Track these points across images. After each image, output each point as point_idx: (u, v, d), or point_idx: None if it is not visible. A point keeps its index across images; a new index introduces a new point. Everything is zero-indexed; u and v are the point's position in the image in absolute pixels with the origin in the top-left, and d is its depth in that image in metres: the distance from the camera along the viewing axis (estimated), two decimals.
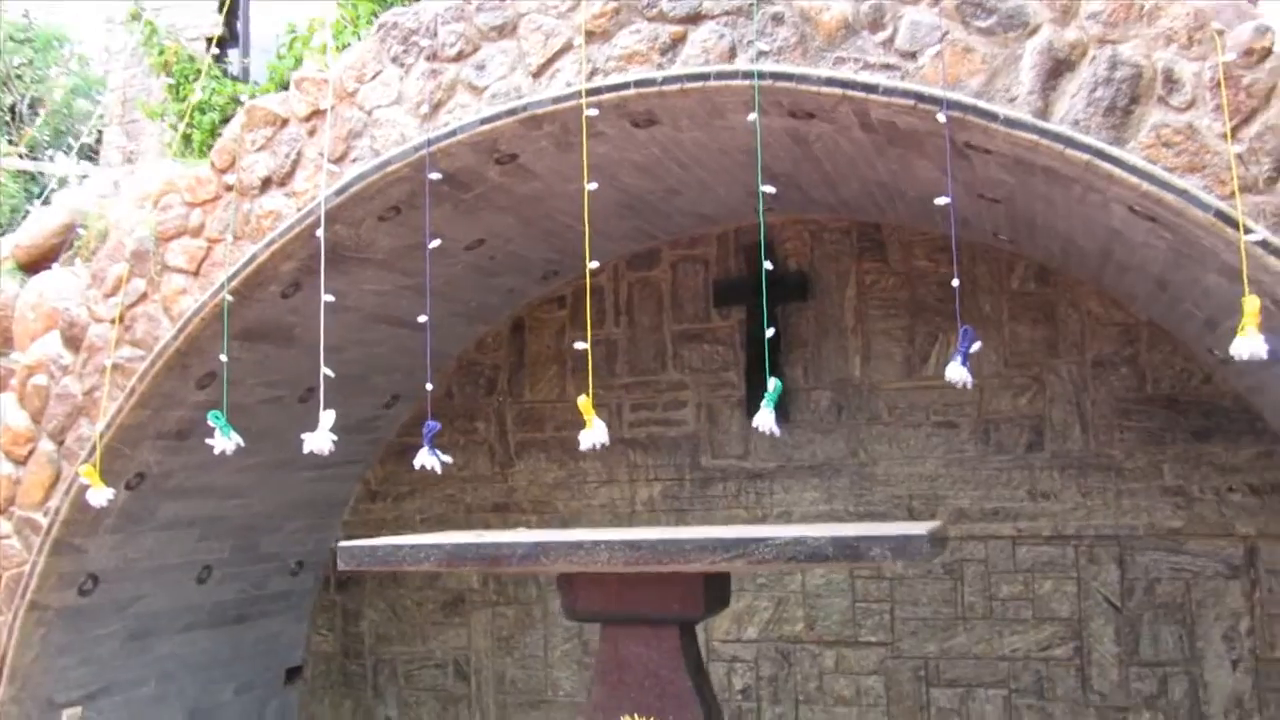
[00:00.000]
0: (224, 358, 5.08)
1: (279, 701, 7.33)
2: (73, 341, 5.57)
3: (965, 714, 6.21)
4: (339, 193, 4.97)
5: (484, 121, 4.77)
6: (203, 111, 7.85)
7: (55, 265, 6.89)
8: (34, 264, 6.95)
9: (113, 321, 5.42)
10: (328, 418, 4.81)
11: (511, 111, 4.72)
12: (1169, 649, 5.88)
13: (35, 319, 6.25)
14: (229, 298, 5.14)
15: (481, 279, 6.51)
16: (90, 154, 32.14)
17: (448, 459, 4.78)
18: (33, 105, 30.54)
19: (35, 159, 31.15)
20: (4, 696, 5.38)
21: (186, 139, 8.07)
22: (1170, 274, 4.86)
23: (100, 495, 5.18)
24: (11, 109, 31.33)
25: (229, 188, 5.29)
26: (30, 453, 5.57)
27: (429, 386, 5.05)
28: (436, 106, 4.89)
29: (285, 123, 5.21)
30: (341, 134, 5.05)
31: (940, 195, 4.56)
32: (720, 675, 6.68)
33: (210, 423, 5.01)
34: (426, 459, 4.69)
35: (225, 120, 7.72)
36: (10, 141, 32.13)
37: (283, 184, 5.18)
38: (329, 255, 5.18)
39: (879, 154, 5.03)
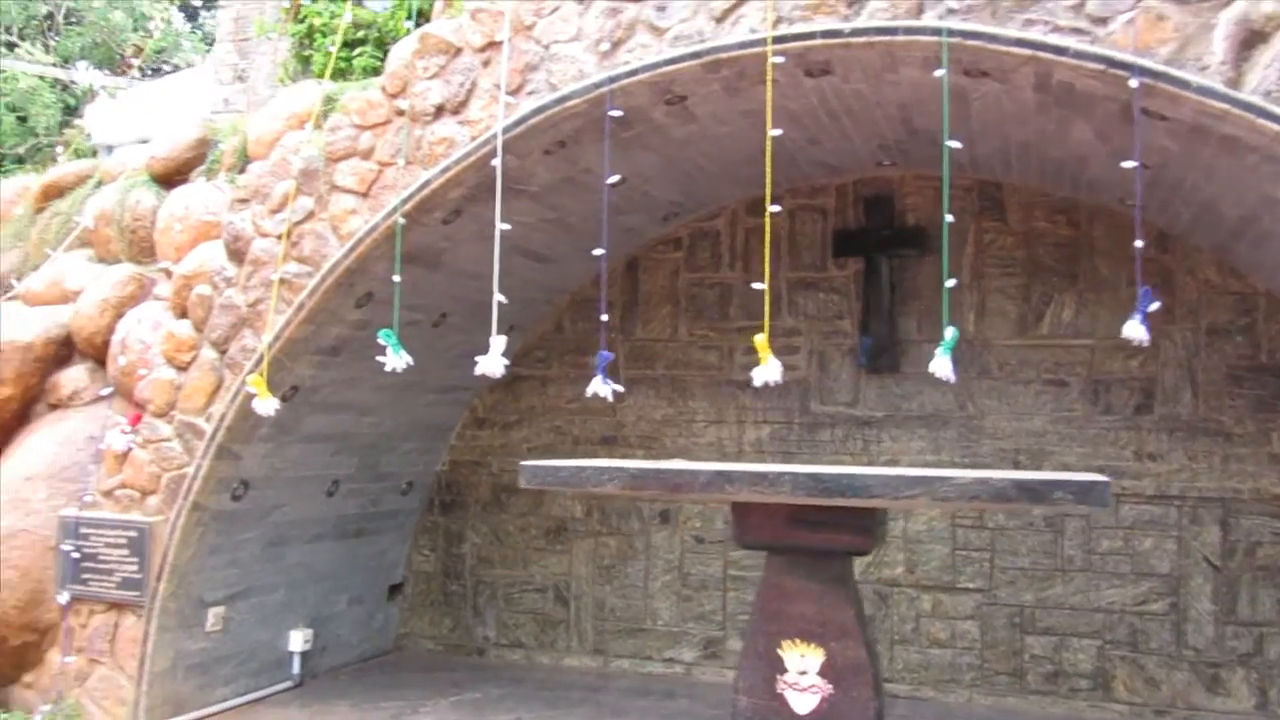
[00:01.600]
0: (397, 278, 5.26)
1: (383, 615, 7.60)
2: (237, 255, 5.74)
3: (1058, 662, 6.47)
4: (516, 124, 5.12)
5: (668, 63, 4.91)
6: (323, 35, 7.99)
7: (191, 178, 7.07)
8: (169, 177, 7.12)
9: (279, 237, 5.60)
10: (499, 343, 5.02)
11: (695, 55, 4.86)
12: (1266, 610, 6.12)
13: (182, 230, 6.44)
14: (401, 220, 5.32)
15: (610, 216, 6.67)
16: (123, 68, 31.96)
17: (620, 388, 4.97)
18: (69, 15, 30.41)
19: (66, 68, 31.05)
20: (165, 592, 5.64)
21: (305, 60, 8.22)
22: None
23: (267, 405, 5.40)
24: (48, 17, 31.16)
25: (400, 112, 5.44)
26: (192, 360, 5.77)
27: (604, 318, 5.22)
28: (616, 45, 5.02)
29: (459, 52, 5.36)
30: (518, 66, 5.20)
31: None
32: None
33: (381, 341, 5.22)
34: (600, 388, 4.89)
35: (346, 44, 7.85)
36: (45, 49, 32.00)
37: (456, 112, 5.33)
38: (490, 185, 5.36)
39: (1039, 114, 5.17)
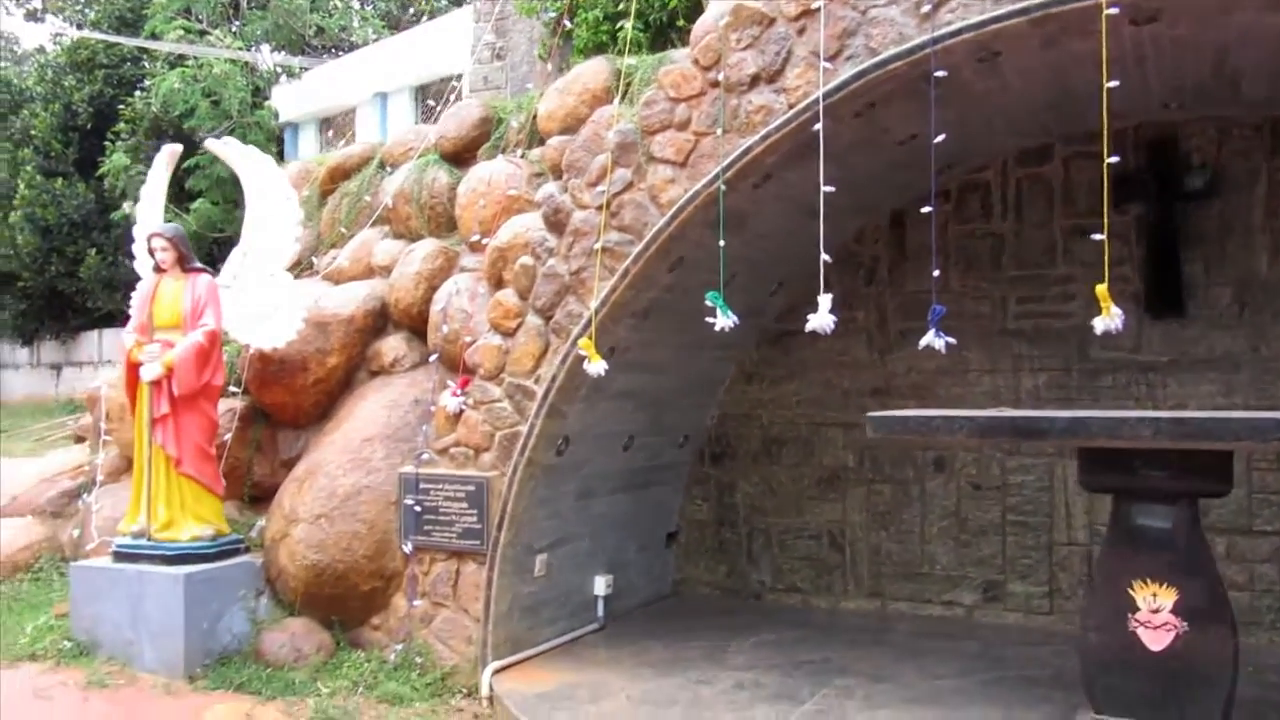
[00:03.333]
0: (722, 243, 5.54)
1: (662, 562, 8.01)
2: (557, 226, 6.11)
3: None
4: (838, 89, 5.30)
5: (993, 20, 4.99)
6: (584, 10, 8.28)
7: (479, 156, 7.50)
8: (458, 155, 7.57)
9: (599, 208, 5.93)
10: (826, 300, 5.24)
11: (1023, 11, 4.93)
12: None
13: (485, 205, 6.85)
14: (723, 187, 5.58)
15: (891, 173, 6.80)
16: (305, 48, 33.16)
17: (952, 340, 5.14)
18: (252, 0, 31.68)
19: (251, 51, 32.44)
20: (505, 540, 6.11)
21: (566, 36, 8.54)
22: None
23: (597, 367, 5.78)
24: (234, 3, 32.56)
25: (714, 84, 5.68)
26: (518, 326, 6.19)
27: (935, 273, 5.35)
28: (937, 5, 5.13)
29: (772, 22, 5.55)
30: (835, 32, 5.36)
31: None
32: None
33: (709, 302, 5.52)
34: (933, 340, 5.07)
35: (607, 18, 8.12)
36: (233, 33, 33.49)
37: (771, 80, 5.54)
38: (799, 150, 5.57)
39: None
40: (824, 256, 5.30)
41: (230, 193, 28.96)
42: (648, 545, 7.77)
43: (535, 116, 7.11)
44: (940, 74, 5.13)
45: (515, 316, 6.21)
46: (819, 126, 5.32)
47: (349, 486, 6.47)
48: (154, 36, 29.12)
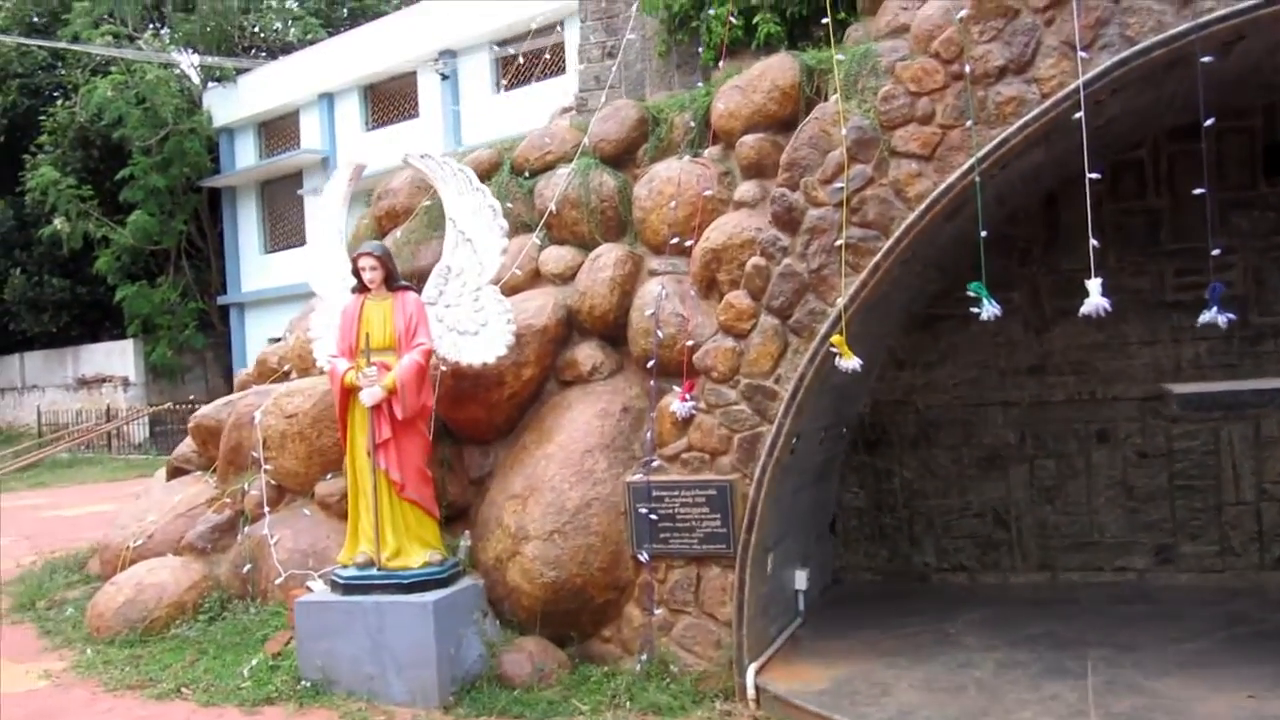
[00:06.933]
0: (984, 233, 5.62)
1: (824, 551, 8.09)
2: (790, 225, 6.10)
3: None
4: (1099, 78, 5.42)
5: (1254, 8, 5.17)
6: (708, 7, 8.23)
7: (638, 158, 7.43)
8: (617, 157, 7.48)
9: (837, 205, 5.96)
10: (1095, 285, 5.38)
11: None
12: None
13: (677, 207, 6.80)
14: (978, 179, 5.66)
15: (1066, 156, 6.96)
16: (238, 49, 31.95)
17: (1233, 316, 5.32)
18: (187, 3, 30.49)
19: (183, 55, 31.19)
20: (753, 542, 6.10)
21: (692, 31, 8.48)
22: None
23: (850, 363, 5.82)
24: (158, 6, 31.23)
25: (957, 77, 5.75)
26: (752, 327, 6.17)
27: (1214, 251, 5.53)
28: None
29: (1018, 14, 5.64)
30: (1088, 22, 5.48)
31: None
32: (1273, 512, 7.36)
33: (972, 293, 5.60)
34: (1214, 318, 5.25)
35: (741, 12, 8.05)
36: (155, 35, 32.06)
37: (1020, 71, 5.63)
38: (1040, 137, 5.70)
39: None
40: (1092, 242, 5.42)
41: (166, 203, 28.01)
42: (822, 534, 7.84)
43: (708, 114, 7.08)
44: (1206, 59, 5.29)
45: (749, 318, 6.19)
46: (1079, 115, 5.44)
47: (578, 500, 6.38)
48: (75, 41, 27.78)
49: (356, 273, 6.31)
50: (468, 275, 6.50)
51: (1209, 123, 5.46)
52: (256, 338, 27.62)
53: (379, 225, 8.58)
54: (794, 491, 6.77)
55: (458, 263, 6.52)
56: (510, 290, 7.34)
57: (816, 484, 7.47)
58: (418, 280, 6.98)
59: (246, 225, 28.50)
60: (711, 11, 8.03)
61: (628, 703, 5.96)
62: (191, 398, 25.77)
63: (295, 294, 26.34)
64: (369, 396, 6.12)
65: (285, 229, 27.91)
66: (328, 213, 6.92)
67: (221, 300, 28.70)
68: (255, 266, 28.09)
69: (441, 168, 6.71)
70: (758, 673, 6.07)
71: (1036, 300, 7.87)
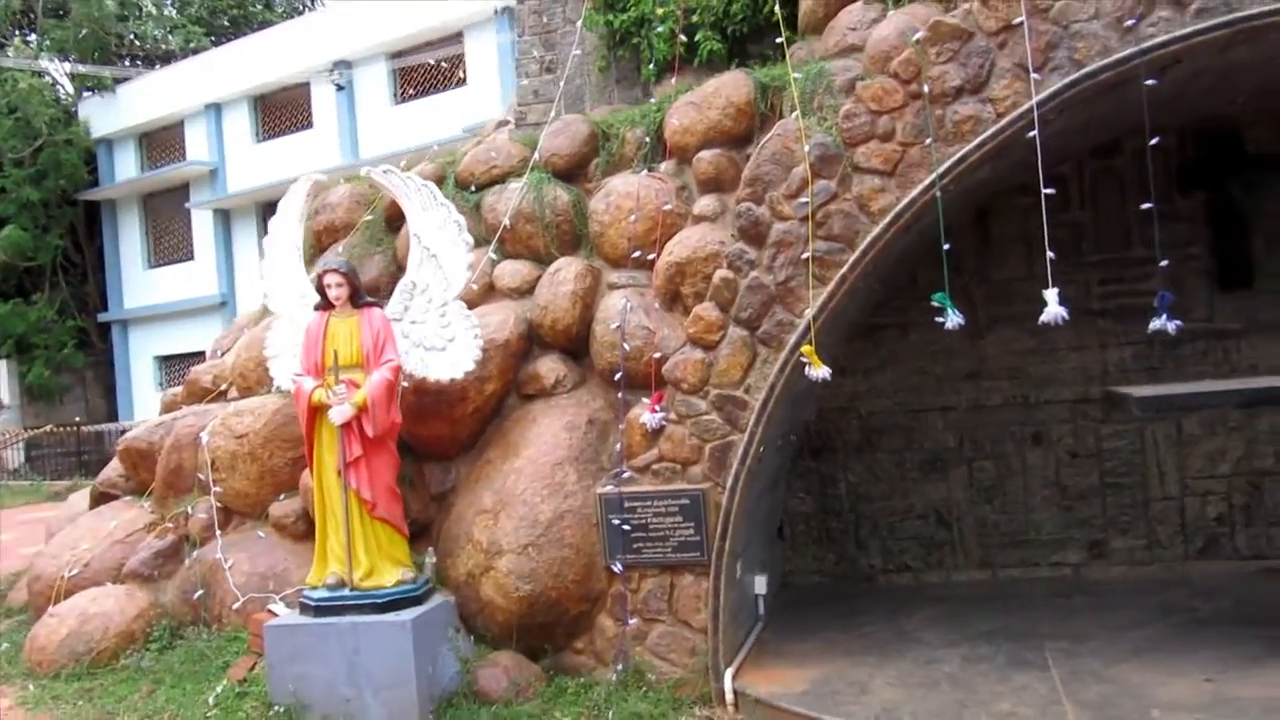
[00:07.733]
0: (946, 246, 5.87)
1: (774, 556, 8.26)
2: (756, 238, 6.25)
3: None
4: (1050, 98, 5.73)
5: (1195, 34, 5.54)
6: (652, 22, 8.36)
7: (589, 172, 7.50)
8: (569, 172, 7.53)
9: (803, 219, 6.13)
10: (1052, 294, 5.69)
11: (1226, 24, 5.51)
12: None
13: (637, 221, 6.89)
14: (939, 194, 5.91)
15: (1001, 171, 7.29)
16: (115, 57, 30.75)
17: (1180, 322, 5.67)
18: (59, 9, 29.25)
19: (56, 62, 29.88)
20: (727, 550, 6.22)
21: (632, 48, 8.60)
22: None
23: (820, 372, 6.01)
24: (26, 10, 29.83)
25: (915, 96, 6.00)
26: (721, 339, 6.30)
27: (1163, 263, 5.84)
28: (1140, 19, 5.64)
29: (971, 36, 5.92)
30: (1039, 45, 5.79)
31: None
32: (1195, 507, 7.83)
33: (935, 302, 5.85)
34: (1165, 324, 5.59)
35: (685, 30, 8.21)
36: (24, 42, 30.71)
37: (976, 91, 5.91)
38: (994, 154, 5.98)
39: None
40: (1049, 255, 5.71)
41: (40, 217, 26.78)
42: (772, 540, 8.01)
43: (660, 130, 7.19)
44: (1150, 82, 5.64)
45: (718, 329, 6.31)
46: (1034, 133, 5.74)
47: (550, 513, 6.40)
48: None
49: (321, 289, 6.22)
50: (433, 291, 6.46)
51: (1155, 141, 5.84)
52: (142, 355, 26.64)
53: (318, 240, 8.45)
54: (757, 498, 6.91)
55: (423, 278, 6.48)
56: (476, 304, 7.32)
57: (772, 490, 7.64)
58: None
59: (129, 239, 27.43)
60: (658, 29, 8.15)
61: (609, 713, 6.00)
62: (77, 419, 24.68)
63: (183, 309, 25.53)
64: (339, 415, 6.03)
65: (170, 243, 26.97)
66: (284, 230, 6.78)
67: (103, 317, 27.55)
68: (138, 282, 27.04)
69: (405, 183, 6.66)
70: (734, 677, 6.19)
71: (971, 309, 8.19)
